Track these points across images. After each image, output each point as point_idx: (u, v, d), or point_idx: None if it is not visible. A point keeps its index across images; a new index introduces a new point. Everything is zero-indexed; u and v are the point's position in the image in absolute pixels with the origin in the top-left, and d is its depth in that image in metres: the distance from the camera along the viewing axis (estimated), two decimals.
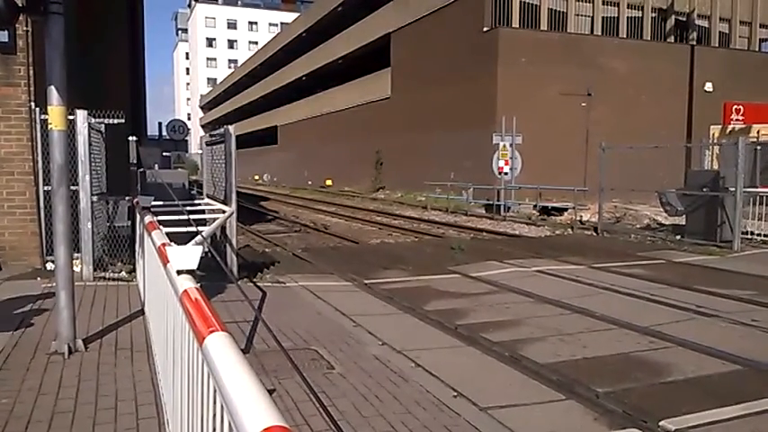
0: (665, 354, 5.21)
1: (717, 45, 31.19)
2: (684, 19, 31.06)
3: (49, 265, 7.69)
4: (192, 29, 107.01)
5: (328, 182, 42.96)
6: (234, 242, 8.09)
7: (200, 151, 11.82)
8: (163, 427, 3.35)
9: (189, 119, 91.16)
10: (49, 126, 4.68)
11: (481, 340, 5.55)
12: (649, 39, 29.86)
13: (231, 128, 8.07)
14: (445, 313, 6.57)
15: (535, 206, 20.94)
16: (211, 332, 1.70)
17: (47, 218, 7.71)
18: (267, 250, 12.49)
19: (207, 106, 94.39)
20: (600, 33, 28.89)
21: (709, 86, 28.26)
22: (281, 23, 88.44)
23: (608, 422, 3.84)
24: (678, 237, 12.78)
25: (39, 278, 7.28)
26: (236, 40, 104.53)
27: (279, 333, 5.31)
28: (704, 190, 11.97)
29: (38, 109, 7.70)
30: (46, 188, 7.75)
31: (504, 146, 21.14)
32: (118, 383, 4.07)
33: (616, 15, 29.45)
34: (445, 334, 5.87)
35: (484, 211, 22.18)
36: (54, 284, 5.15)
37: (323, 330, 5.70)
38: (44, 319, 5.58)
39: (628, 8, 29.64)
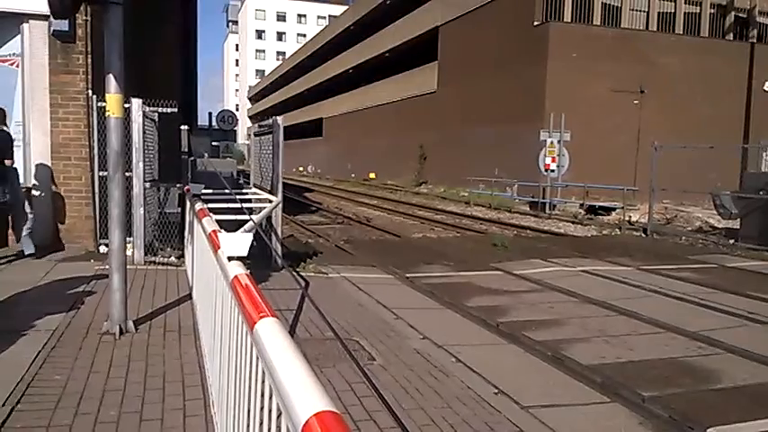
0: (715, 360, 5.06)
1: None
2: (745, 15, 29.90)
3: (102, 248, 7.96)
4: (243, 21, 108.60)
5: (371, 175, 43.06)
6: (279, 231, 8.20)
7: (248, 142, 12.01)
8: (208, 407, 3.43)
9: (237, 110, 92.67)
10: (107, 113, 4.82)
11: (523, 338, 5.49)
12: (707, 36, 28.86)
13: (279, 119, 8.15)
14: (487, 310, 6.52)
15: (582, 205, 20.56)
16: (262, 317, 1.73)
17: (101, 202, 7.96)
18: (310, 241, 12.62)
19: (255, 97, 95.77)
20: (655, 29, 28.06)
21: None
22: (330, 16, 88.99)
23: (653, 427, 3.76)
24: (731, 241, 12.37)
25: (92, 260, 7.53)
26: (284, 33, 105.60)
27: (321, 322, 5.36)
28: (761, 193, 11.56)
29: (95, 96, 7.95)
30: (101, 173, 7.99)
31: (552, 143, 20.82)
32: (166, 365, 4.18)
33: (673, 11, 28.57)
34: (487, 331, 5.83)
35: (528, 209, 21.90)
36: (106, 267, 5.32)
37: (364, 322, 5.74)
38: (96, 300, 5.77)
39: (685, 4, 28.71)
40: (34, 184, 8.01)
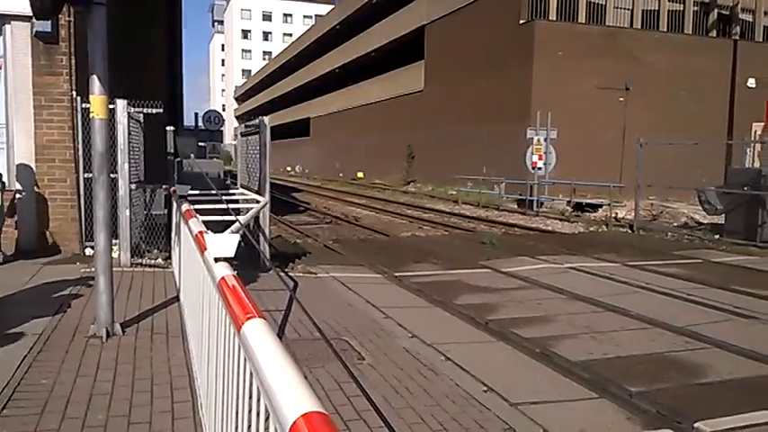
0: (701, 354, 5.11)
1: (761, 40, 30.27)
2: (728, 13, 30.21)
3: (88, 251, 7.88)
4: (228, 21, 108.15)
5: (359, 174, 43.04)
6: (267, 232, 8.17)
7: (235, 142, 11.97)
8: (197, 410, 3.41)
9: (224, 110, 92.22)
10: (91, 114, 4.78)
11: (512, 336, 5.52)
12: (691, 33, 29.12)
13: (266, 119, 8.13)
14: (476, 308, 6.54)
15: (569, 202, 20.67)
16: (249, 318, 1.72)
17: (86, 204, 7.89)
18: (298, 241, 12.59)
19: (241, 98, 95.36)
20: (639, 27, 28.26)
21: (752, 82, 27.46)
22: (316, 16, 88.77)
23: (641, 422, 3.79)
24: (717, 236, 12.50)
25: (78, 263, 7.46)
26: (270, 32, 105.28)
27: (309, 322, 5.34)
28: (745, 188, 11.69)
29: (79, 98, 7.87)
30: (86, 175, 7.93)
31: (539, 140, 20.90)
32: (154, 367, 4.16)
33: (657, 8, 28.78)
34: (476, 328, 5.85)
35: (516, 207, 21.99)
36: (92, 269, 5.28)
37: (353, 321, 5.73)
38: (83, 303, 5.72)
39: (669, 1, 28.94)
40: (18, 189, 7.91)
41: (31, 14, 6.00)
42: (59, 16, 7.51)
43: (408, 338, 5.30)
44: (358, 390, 3.86)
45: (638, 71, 25.33)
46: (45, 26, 7.54)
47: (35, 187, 7.98)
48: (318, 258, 9.45)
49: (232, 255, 2.60)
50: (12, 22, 7.87)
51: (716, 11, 29.88)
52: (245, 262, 7.27)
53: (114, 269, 5.14)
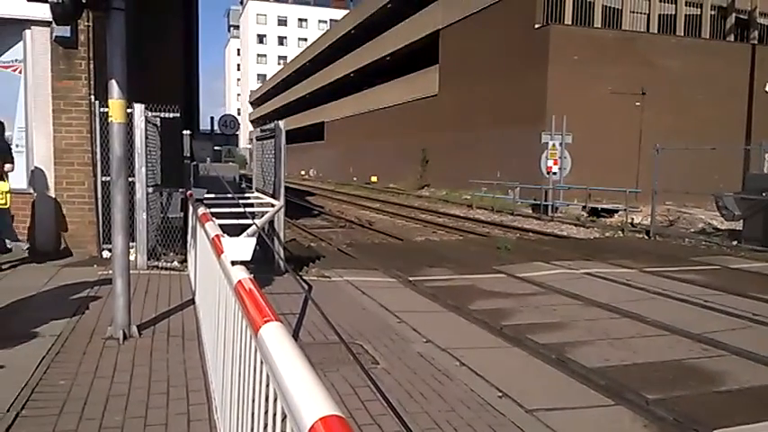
0: (720, 362, 5.04)
1: None
2: (746, 17, 29.89)
3: (105, 253, 7.96)
4: (244, 25, 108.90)
5: (373, 178, 43.06)
6: (281, 236, 8.20)
7: (250, 146, 12.02)
8: (212, 412, 3.43)
9: (239, 114, 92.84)
10: (110, 119, 4.83)
11: (527, 341, 5.48)
12: (708, 37, 28.86)
13: (281, 123, 8.17)
14: (490, 313, 6.51)
15: (584, 207, 20.53)
16: (266, 322, 1.73)
17: (104, 207, 7.97)
18: (313, 245, 12.63)
19: (256, 102, 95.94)
20: (656, 31, 28.07)
21: None
22: (331, 20, 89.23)
23: (658, 429, 3.74)
24: (735, 242, 12.35)
25: (95, 265, 7.53)
26: (285, 37, 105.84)
27: (324, 326, 5.36)
28: (764, 194, 11.53)
29: (97, 102, 7.96)
30: (104, 179, 8.03)
31: (554, 145, 20.78)
32: (170, 369, 4.18)
33: (673, 13, 28.57)
34: (490, 334, 5.82)
35: (530, 211, 21.88)
36: (109, 272, 5.33)
37: (367, 325, 5.73)
38: (100, 305, 5.77)
39: (686, 6, 28.71)
40: (30, 192, 8.01)
41: (50, 19, 6.07)
42: (78, 21, 7.59)
43: (423, 343, 5.29)
44: (372, 394, 3.87)
45: (654, 76, 25.15)
46: (64, 31, 7.63)
47: (49, 190, 8.07)
48: (332, 262, 9.47)
49: (249, 258, 2.61)
50: (32, 28, 7.98)
51: (733, 15, 29.59)
52: (260, 265, 7.31)
53: (131, 272, 5.18)
